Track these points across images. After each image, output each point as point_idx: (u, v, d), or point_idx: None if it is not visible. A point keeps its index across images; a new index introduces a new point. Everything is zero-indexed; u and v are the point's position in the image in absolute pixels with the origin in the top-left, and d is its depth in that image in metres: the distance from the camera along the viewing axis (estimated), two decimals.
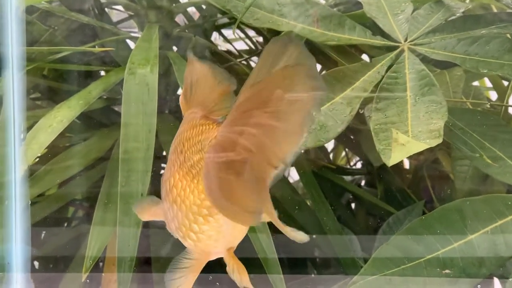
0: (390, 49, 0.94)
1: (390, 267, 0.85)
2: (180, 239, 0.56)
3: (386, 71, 0.90)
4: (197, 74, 0.59)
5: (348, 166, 1.54)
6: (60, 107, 0.95)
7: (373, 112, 0.85)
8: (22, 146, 0.91)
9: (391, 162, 0.77)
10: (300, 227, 0.58)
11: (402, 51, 0.92)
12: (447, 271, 0.84)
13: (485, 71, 0.87)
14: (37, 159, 1.08)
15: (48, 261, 1.11)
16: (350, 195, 1.33)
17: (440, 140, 0.78)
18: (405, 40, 0.93)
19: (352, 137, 1.29)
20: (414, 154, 1.34)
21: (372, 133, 0.82)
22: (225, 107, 0.57)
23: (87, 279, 0.88)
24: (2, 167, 0.91)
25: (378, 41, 0.94)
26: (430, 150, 1.26)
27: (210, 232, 0.53)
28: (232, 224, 0.51)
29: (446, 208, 0.87)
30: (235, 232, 0.54)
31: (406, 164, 1.39)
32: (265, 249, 0.90)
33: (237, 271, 0.55)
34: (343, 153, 1.57)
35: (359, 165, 1.52)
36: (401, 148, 0.77)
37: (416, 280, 0.84)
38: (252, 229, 0.90)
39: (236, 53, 1.33)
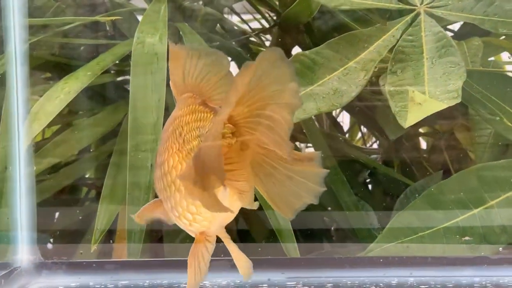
0: (402, 13, 0.92)
1: (407, 234, 0.82)
2: (174, 219, 0.55)
3: (401, 35, 0.88)
4: (185, 59, 0.58)
5: (364, 147, 1.51)
6: (68, 78, 0.94)
7: (389, 75, 0.83)
8: (27, 118, 0.90)
9: (407, 123, 0.75)
10: None
11: (418, 14, 0.89)
12: (466, 238, 0.82)
13: (505, 31, 0.85)
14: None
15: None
16: (366, 174, 1.30)
17: (458, 100, 0.75)
18: (421, 3, 0.90)
19: (367, 113, 1.26)
20: (430, 132, 1.33)
21: (388, 95, 0.80)
22: (224, 92, 0.56)
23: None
24: (7, 140, 0.90)
25: (394, 4, 0.91)
26: (448, 125, 1.24)
27: (207, 213, 0.53)
28: (228, 206, 0.50)
29: (465, 174, 0.84)
30: (230, 213, 0.54)
31: (423, 145, 1.37)
32: (279, 220, 0.88)
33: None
34: (359, 135, 1.54)
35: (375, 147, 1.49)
36: (417, 108, 0.74)
37: (435, 247, 0.82)
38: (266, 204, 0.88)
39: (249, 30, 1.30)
